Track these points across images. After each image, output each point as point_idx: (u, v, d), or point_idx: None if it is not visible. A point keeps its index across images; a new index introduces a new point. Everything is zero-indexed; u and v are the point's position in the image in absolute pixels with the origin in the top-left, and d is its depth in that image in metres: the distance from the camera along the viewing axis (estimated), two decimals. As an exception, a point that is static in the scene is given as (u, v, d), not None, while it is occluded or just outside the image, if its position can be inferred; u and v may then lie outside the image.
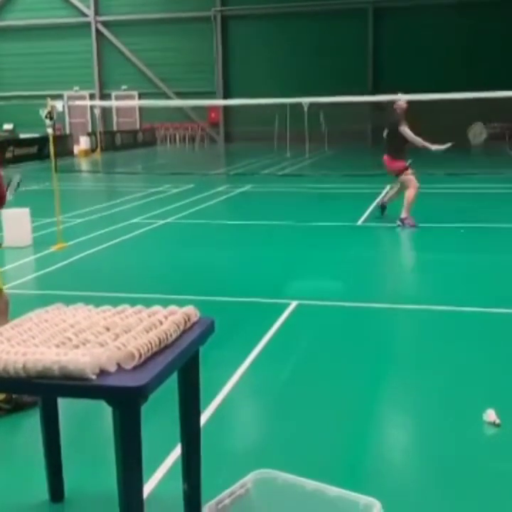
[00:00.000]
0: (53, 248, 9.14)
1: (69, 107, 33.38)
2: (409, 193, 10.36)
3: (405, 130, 10.36)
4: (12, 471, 3.68)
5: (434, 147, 10.59)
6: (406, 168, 10.50)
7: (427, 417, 4.17)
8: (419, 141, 10.44)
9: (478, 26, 29.97)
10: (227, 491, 2.83)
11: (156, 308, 2.99)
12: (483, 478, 3.46)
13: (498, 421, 3.93)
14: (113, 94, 35.37)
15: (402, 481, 3.50)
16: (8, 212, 9.55)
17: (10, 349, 2.51)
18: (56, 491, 3.26)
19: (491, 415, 3.96)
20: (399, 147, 10.49)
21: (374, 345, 5.44)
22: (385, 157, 10.71)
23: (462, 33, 30.14)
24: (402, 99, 10.97)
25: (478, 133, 27.57)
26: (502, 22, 29.80)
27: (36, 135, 24.18)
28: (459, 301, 6.51)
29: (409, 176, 10.51)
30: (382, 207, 11.12)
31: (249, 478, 2.89)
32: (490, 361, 5.02)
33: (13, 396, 4.11)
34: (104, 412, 2.52)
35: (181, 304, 3.03)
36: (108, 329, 2.75)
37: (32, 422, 3.67)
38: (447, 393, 4.47)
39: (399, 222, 10.33)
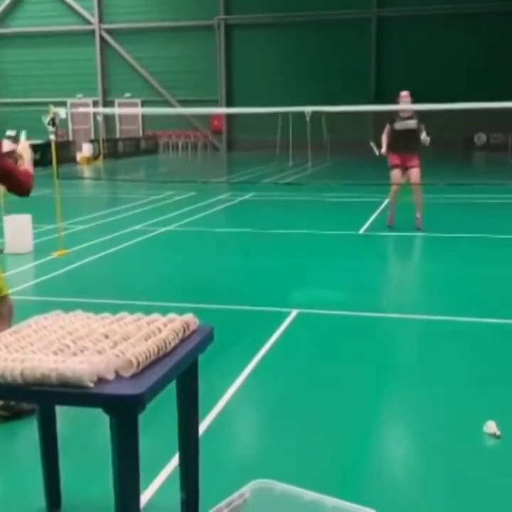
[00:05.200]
0: (54, 255, 9.13)
1: (72, 114, 33.50)
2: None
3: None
4: (9, 479, 3.66)
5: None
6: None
7: (426, 428, 4.14)
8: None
9: (482, 36, 30.07)
10: (226, 501, 2.81)
11: (155, 315, 2.98)
12: (483, 489, 3.44)
13: (498, 432, 3.92)
14: (116, 101, 35.49)
15: (401, 492, 3.48)
16: (9, 218, 9.59)
17: (8, 356, 2.49)
18: (53, 499, 3.25)
19: (491, 427, 3.95)
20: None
21: (375, 354, 5.42)
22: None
23: (465, 42, 30.23)
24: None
25: None
26: (505, 32, 29.90)
27: (39, 141, 24.22)
28: (460, 311, 6.49)
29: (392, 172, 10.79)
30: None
31: (247, 488, 2.87)
32: (490, 372, 5.01)
33: (11, 403, 4.10)
34: (102, 420, 2.51)
35: (181, 311, 3.02)
36: (107, 337, 2.73)
37: (29, 430, 3.65)
38: (448, 404, 4.45)
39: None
